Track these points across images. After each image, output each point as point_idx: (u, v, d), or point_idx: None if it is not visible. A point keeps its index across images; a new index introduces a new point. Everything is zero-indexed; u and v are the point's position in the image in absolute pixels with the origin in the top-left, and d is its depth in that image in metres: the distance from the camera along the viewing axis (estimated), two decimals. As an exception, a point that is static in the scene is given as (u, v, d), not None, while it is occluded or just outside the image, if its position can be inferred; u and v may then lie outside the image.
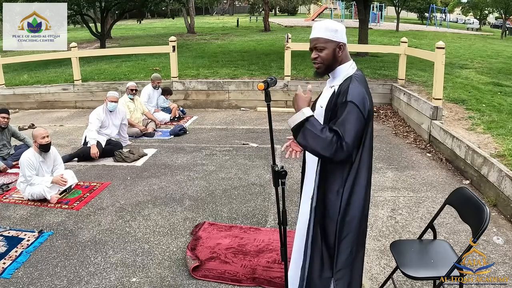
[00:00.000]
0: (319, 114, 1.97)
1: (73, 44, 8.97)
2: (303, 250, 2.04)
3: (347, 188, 1.91)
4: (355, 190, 1.92)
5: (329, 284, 1.98)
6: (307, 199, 2.07)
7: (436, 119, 5.64)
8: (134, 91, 6.58)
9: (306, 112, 1.86)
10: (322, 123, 1.92)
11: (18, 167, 4.39)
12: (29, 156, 4.12)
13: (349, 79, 1.92)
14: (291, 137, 2.17)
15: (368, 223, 2.69)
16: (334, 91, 1.94)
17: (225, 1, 45.67)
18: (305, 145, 1.86)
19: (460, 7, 39.72)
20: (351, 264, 1.98)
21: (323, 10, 34.50)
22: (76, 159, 5.31)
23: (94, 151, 5.25)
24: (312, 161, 2.03)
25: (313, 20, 29.02)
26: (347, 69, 1.97)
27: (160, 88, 7.50)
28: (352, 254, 1.97)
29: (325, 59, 1.95)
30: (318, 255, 1.99)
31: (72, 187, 4.33)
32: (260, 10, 33.57)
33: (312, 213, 1.99)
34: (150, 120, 6.84)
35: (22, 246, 3.26)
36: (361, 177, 1.92)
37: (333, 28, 1.93)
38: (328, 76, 2.04)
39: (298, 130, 1.85)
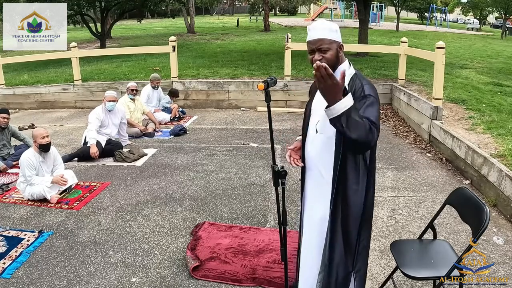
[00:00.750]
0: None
1: (73, 44, 8.98)
2: (322, 252, 2.05)
3: (367, 186, 1.97)
4: (369, 187, 1.99)
5: (350, 278, 2.04)
6: (318, 203, 2.06)
7: (436, 119, 5.64)
8: (134, 92, 6.57)
9: (350, 99, 1.68)
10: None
11: (18, 167, 4.39)
12: (29, 156, 4.12)
13: (356, 77, 1.94)
14: (291, 146, 2.19)
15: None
16: (346, 90, 1.88)
17: (225, 1, 45.67)
18: (347, 133, 1.69)
19: (460, 7, 39.71)
20: (366, 255, 2.09)
21: (323, 10, 34.50)
22: (76, 159, 5.31)
23: (94, 150, 5.25)
24: (320, 165, 2.03)
25: (313, 20, 29.02)
26: (348, 68, 1.98)
27: (159, 88, 7.50)
28: (366, 245, 2.08)
29: (329, 60, 1.91)
30: (340, 255, 2.01)
31: (72, 187, 4.33)
32: (260, 10, 33.57)
33: (330, 216, 2.00)
34: (150, 120, 6.84)
35: (22, 246, 3.26)
36: (371, 174, 1.99)
37: (334, 29, 1.94)
38: None
39: (339, 117, 1.67)
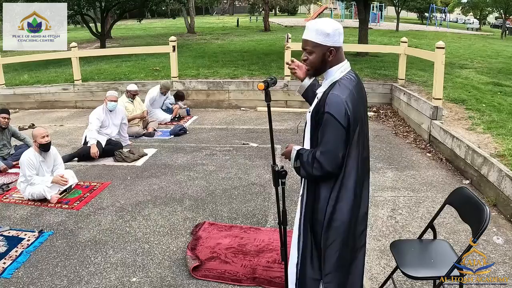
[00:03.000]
0: (307, 118, 2.00)
1: (73, 44, 8.97)
2: (296, 249, 2.07)
3: (334, 194, 1.89)
4: (341, 196, 1.89)
5: (318, 286, 2.00)
6: (300, 202, 2.10)
7: (436, 119, 5.64)
8: (134, 96, 6.56)
9: (295, 148, 1.99)
10: (309, 127, 1.96)
11: (18, 167, 4.39)
12: (30, 155, 4.13)
13: (332, 86, 1.87)
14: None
15: (368, 224, 2.68)
16: (318, 98, 1.92)
17: (225, 1, 45.65)
18: (305, 176, 1.97)
19: (460, 7, 39.73)
20: (342, 267, 1.96)
21: (323, 10, 34.50)
22: (76, 159, 5.31)
23: (94, 150, 5.25)
24: None
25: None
26: (335, 73, 1.91)
27: (166, 94, 7.45)
28: (341, 259, 1.94)
29: (311, 63, 1.90)
30: (308, 255, 2.01)
31: (72, 187, 4.34)
32: (260, 10, 33.55)
33: (302, 216, 2.03)
34: (151, 120, 6.84)
35: (22, 246, 3.26)
36: (348, 184, 1.89)
37: (324, 32, 1.84)
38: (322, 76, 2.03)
39: (298, 166, 1.97)
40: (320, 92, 1.94)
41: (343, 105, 1.79)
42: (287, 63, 2.24)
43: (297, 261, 2.06)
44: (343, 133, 1.81)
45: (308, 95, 2.20)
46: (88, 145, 5.36)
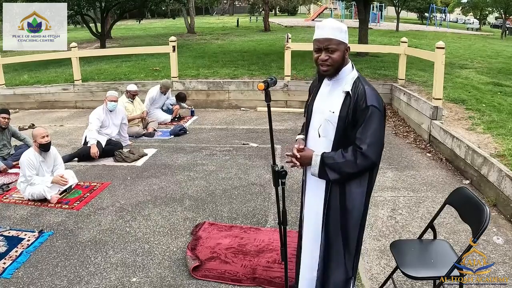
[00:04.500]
0: (330, 119, 1.95)
1: (73, 44, 8.98)
2: (318, 255, 2.07)
3: (365, 188, 1.97)
4: (369, 188, 2.00)
5: (350, 283, 2.05)
6: (317, 204, 2.07)
7: (436, 119, 5.64)
8: (134, 96, 6.55)
9: (317, 154, 1.95)
10: (335, 128, 1.93)
11: (18, 167, 4.39)
12: (30, 156, 4.13)
13: (359, 82, 1.91)
14: (289, 153, 2.10)
15: (367, 223, 2.67)
16: (349, 96, 1.90)
17: (225, 1, 45.65)
18: (338, 178, 1.92)
19: (460, 7, 39.74)
20: (359, 256, 2.13)
21: (323, 10, 34.49)
22: (76, 159, 5.31)
23: (94, 150, 5.25)
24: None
25: (313, 20, 29.00)
26: (351, 70, 1.96)
27: (166, 94, 7.44)
28: (360, 247, 2.10)
29: (336, 61, 1.90)
30: (339, 258, 2.02)
31: (72, 187, 4.34)
32: (260, 10, 33.54)
33: (324, 218, 2.03)
34: (151, 120, 6.84)
35: (23, 246, 3.26)
36: (373, 175, 1.99)
37: (343, 30, 1.90)
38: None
39: (324, 171, 1.93)
40: (347, 89, 1.91)
41: (380, 98, 1.89)
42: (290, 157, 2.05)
43: (321, 266, 2.07)
44: (384, 123, 1.90)
45: None
46: (88, 145, 5.35)
